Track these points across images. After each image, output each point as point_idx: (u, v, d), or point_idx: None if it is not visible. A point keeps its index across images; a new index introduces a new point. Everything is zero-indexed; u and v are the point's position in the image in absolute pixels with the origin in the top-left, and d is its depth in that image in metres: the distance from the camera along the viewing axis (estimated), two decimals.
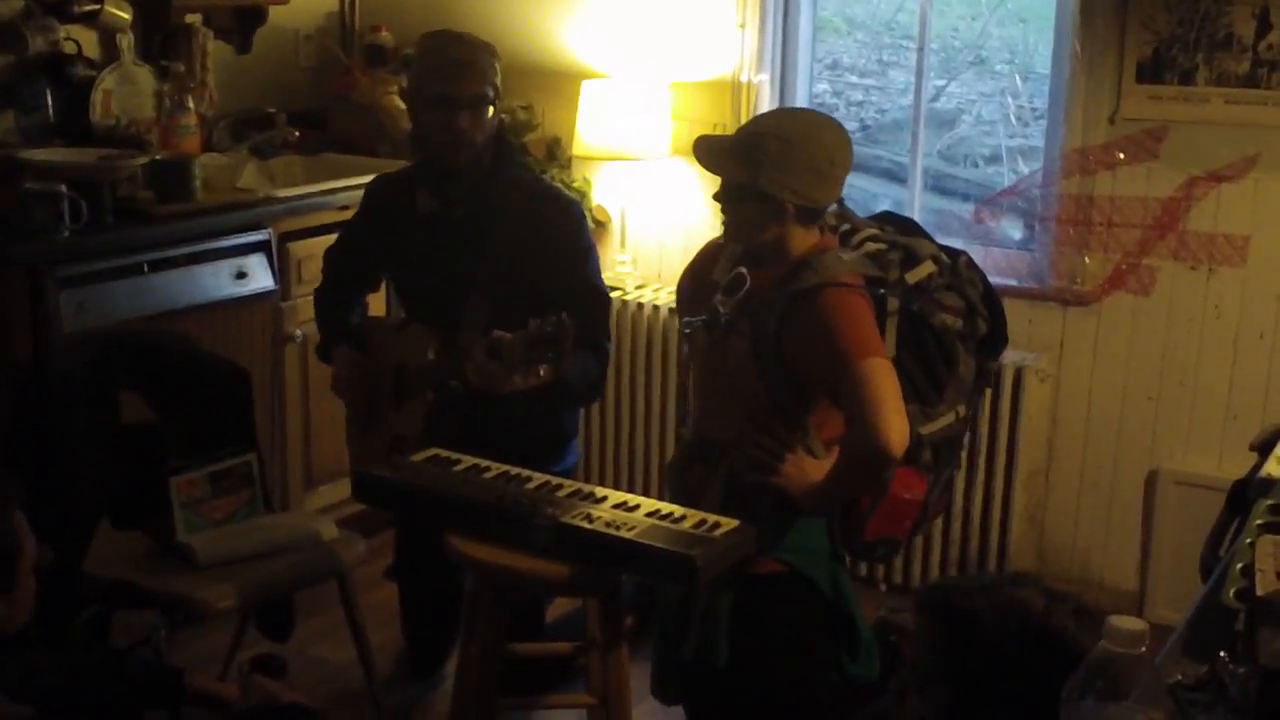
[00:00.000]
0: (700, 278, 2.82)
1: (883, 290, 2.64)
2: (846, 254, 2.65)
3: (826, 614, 2.70)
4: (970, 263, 2.76)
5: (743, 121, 4.08)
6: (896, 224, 2.81)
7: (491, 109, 3.29)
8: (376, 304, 3.96)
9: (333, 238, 3.77)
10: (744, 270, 2.68)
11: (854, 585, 2.81)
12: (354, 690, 3.59)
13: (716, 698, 2.76)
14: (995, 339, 2.79)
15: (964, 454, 3.74)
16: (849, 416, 2.53)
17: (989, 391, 3.91)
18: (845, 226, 2.76)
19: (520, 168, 3.45)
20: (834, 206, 2.79)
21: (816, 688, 2.71)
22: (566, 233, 3.34)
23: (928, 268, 2.68)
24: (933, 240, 2.77)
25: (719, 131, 4.22)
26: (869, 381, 2.47)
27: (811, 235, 2.66)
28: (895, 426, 2.47)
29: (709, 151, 2.68)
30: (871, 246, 2.70)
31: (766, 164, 2.57)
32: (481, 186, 3.31)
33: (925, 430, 2.68)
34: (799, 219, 2.62)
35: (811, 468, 2.60)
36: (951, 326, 2.68)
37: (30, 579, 2.32)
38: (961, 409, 2.74)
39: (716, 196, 2.68)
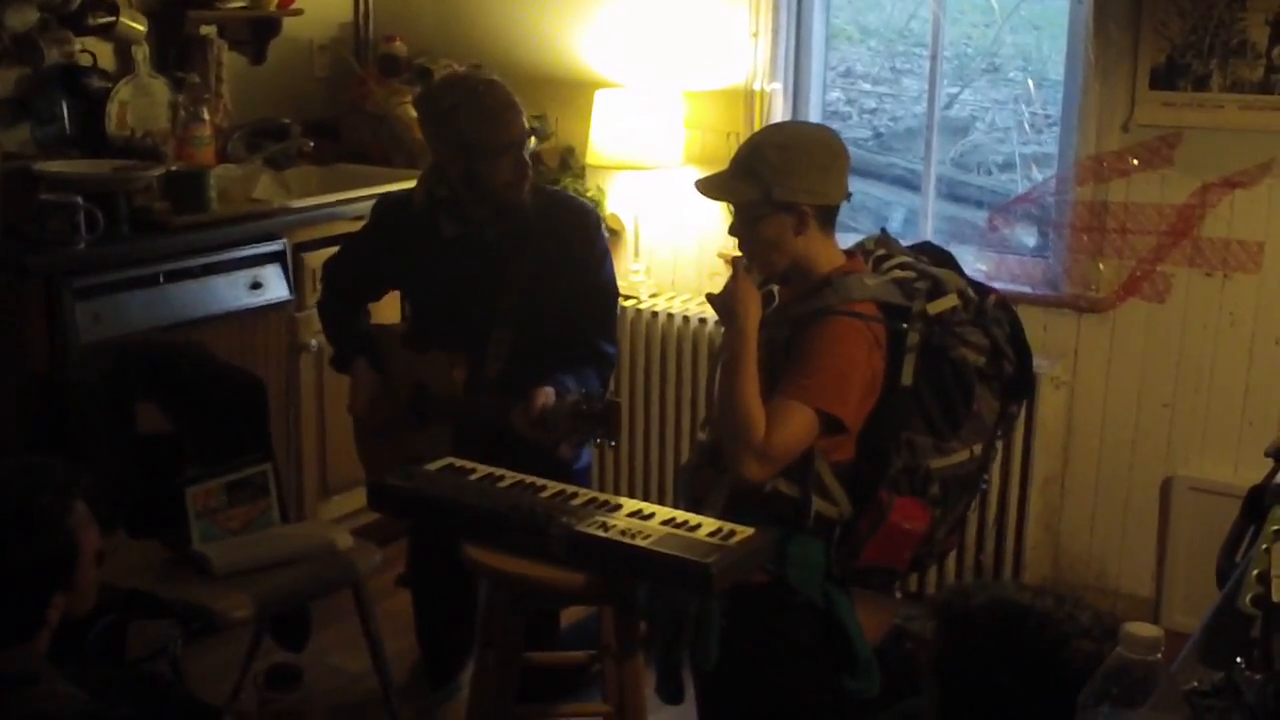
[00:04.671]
0: None
1: (905, 325, 2.61)
2: (871, 279, 2.64)
3: (820, 627, 2.68)
4: (1000, 303, 2.74)
5: (756, 129, 4.09)
6: (933, 255, 2.80)
7: None
8: (392, 310, 3.98)
9: None
10: (774, 289, 2.70)
11: (867, 596, 2.80)
12: (370, 700, 3.58)
13: (717, 702, 2.76)
14: (1021, 382, 2.76)
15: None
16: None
17: None
18: (881, 252, 2.77)
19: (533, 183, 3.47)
20: (876, 233, 2.81)
21: (812, 695, 2.70)
22: (583, 239, 3.38)
23: (951, 300, 2.65)
24: (964, 275, 2.76)
25: (731, 141, 4.25)
26: (783, 421, 2.51)
27: (836, 252, 2.68)
28: (756, 470, 2.52)
29: (713, 185, 2.71)
30: (900, 274, 2.68)
31: (774, 174, 2.59)
32: (507, 206, 3.33)
33: (936, 465, 2.66)
34: (819, 222, 2.63)
35: (753, 302, 2.59)
36: (972, 362, 2.67)
37: (93, 569, 2.34)
38: (977, 449, 2.72)
39: (732, 230, 2.68)
